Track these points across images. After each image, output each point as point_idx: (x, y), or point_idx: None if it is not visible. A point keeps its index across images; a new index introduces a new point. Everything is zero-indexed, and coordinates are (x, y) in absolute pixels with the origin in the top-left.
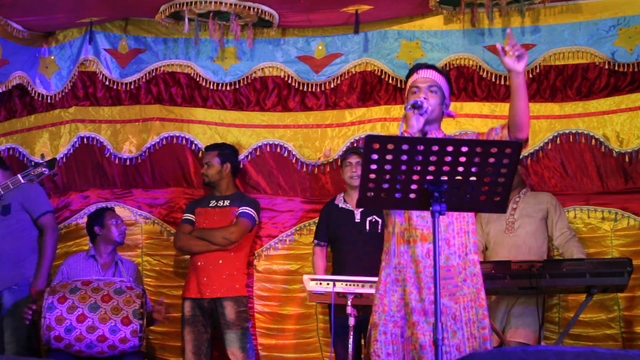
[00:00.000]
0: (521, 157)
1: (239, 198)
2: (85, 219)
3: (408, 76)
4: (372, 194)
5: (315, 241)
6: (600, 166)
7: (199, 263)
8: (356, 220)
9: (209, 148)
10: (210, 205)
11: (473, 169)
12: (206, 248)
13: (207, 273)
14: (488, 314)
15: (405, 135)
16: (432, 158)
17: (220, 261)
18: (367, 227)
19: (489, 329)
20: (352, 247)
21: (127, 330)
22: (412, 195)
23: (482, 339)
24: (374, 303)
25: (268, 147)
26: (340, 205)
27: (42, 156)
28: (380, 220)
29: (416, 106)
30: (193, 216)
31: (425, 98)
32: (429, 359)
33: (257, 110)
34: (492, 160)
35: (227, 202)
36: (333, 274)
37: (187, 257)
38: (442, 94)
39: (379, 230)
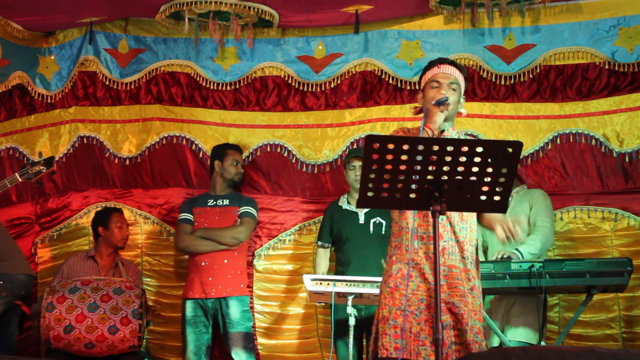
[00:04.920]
0: (521, 157)
1: (238, 198)
2: (85, 219)
3: (427, 68)
4: (373, 194)
5: (319, 242)
6: (600, 166)
7: (203, 263)
8: (360, 222)
9: (237, 148)
10: (209, 204)
11: (473, 169)
12: (212, 248)
13: (212, 273)
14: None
15: (427, 130)
16: (433, 158)
17: (226, 261)
18: (371, 229)
19: (482, 345)
20: (355, 248)
21: (126, 330)
22: (412, 195)
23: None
24: (382, 296)
25: (268, 147)
26: (344, 207)
27: (40, 155)
28: (384, 222)
29: (444, 104)
30: (191, 216)
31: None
32: (444, 354)
33: (257, 110)
34: (492, 160)
35: (226, 202)
36: (336, 274)
37: (187, 257)
38: (460, 92)
39: (383, 232)
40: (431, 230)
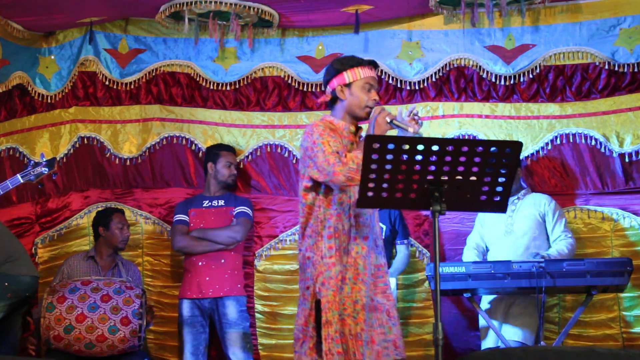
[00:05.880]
0: (521, 157)
1: (233, 198)
2: (85, 219)
3: (357, 64)
4: (372, 193)
5: None
6: (600, 166)
7: (200, 263)
8: None
9: (231, 149)
10: (204, 205)
11: (473, 169)
12: (209, 248)
13: (209, 272)
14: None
15: None
16: (433, 158)
17: (223, 260)
18: None
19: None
20: None
21: (127, 330)
22: (412, 195)
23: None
24: (325, 299)
25: (268, 147)
26: None
27: (42, 155)
28: (384, 227)
29: (401, 128)
30: (187, 217)
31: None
32: (375, 353)
33: (258, 110)
34: (492, 160)
35: (221, 202)
36: None
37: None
38: None
39: (383, 236)
40: (364, 232)
